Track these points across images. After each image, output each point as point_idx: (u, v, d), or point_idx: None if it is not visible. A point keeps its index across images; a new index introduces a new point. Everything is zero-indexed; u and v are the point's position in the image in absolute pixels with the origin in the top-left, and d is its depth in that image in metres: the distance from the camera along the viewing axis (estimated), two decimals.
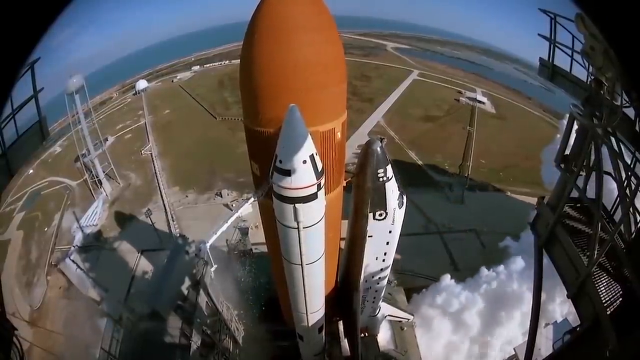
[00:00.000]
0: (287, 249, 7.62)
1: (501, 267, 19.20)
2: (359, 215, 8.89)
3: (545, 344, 12.79)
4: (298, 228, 6.67)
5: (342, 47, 6.77)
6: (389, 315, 14.43)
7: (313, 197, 6.32)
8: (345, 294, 11.80)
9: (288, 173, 5.90)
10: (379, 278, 11.00)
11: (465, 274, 21.41)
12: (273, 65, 5.84)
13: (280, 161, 5.86)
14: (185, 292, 19.12)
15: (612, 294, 5.13)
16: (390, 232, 9.22)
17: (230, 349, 16.16)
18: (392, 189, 8.42)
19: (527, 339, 7.73)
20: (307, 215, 6.49)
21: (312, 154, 5.83)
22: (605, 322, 4.72)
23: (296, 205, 6.27)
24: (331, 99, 6.81)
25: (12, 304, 19.46)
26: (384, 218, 8.79)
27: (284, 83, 5.92)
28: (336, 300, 12.25)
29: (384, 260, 10.25)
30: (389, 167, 8.10)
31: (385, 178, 8.17)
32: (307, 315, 9.55)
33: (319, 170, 6.10)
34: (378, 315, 13.79)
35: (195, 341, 14.94)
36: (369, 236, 9.13)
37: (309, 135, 5.68)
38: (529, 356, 7.39)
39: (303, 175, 5.95)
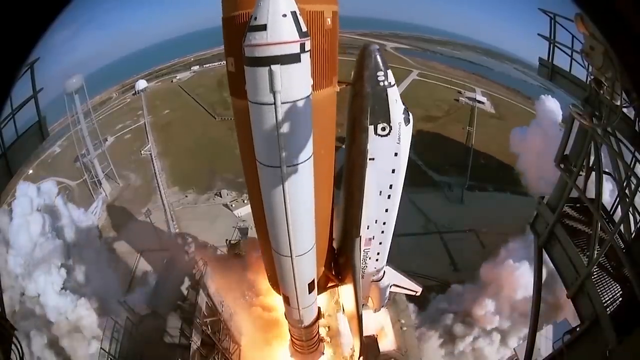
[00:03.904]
0: (261, 143, 5.66)
1: None
2: (358, 130, 7.30)
3: (545, 344, 12.82)
4: (275, 104, 4.97)
5: None
6: (394, 285, 12.40)
7: (294, 58, 4.87)
8: (344, 246, 9.88)
9: (263, 27, 4.69)
10: (384, 224, 9.04)
11: (465, 274, 21.45)
12: None
13: (255, 18, 4.74)
14: (185, 292, 19.14)
15: (612, 294, 5.13)
16: (396, 154, 7.55)
17: (230, 349, 16.17)
18: (395, 98, 7.16)
19: (527, 339, 7.74)
20: (286, 84, 4.94)
21: (295, 11, 4.77)
22: (605, 322, 4.73)
23: (272, 67, 4.80)
24: None
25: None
26: (388, 134, 7.25)
27: None
28: (332, 259, 10.31)
29: (389, 197, 8.37)
30: (390, 73, 7.00)
31: (386, 82, 6.95)
32: (292, 259, 7.07)
33: (303, 30, 4.89)
34: (383, 281, 11.65)
35: (195, 341, 14.94)
36: (370, 159, 7.50)
37: None
38: (529, 356, 7.40)
39: (282, 29, 4.71)
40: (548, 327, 14.93)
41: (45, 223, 18.11)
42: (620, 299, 4.96)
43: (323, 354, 12.41)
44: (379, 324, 17.18)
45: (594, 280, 5.32)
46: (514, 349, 17.23)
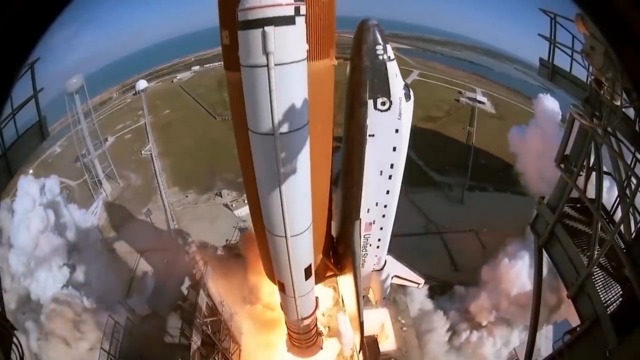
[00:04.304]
0: (253, 109, 5.36)
1: None
2: (357, 104, 6.99)
3: (545, 344, 12.81)
4: (268, 65, 4.79)
5: None
6: (396, 275, 11.85)
7: (288, 20, 4.75)
8: (343, 233, 9.30)
9: None
10: (385, 207, 8.52)
11: (465, 274, 21.44)
12: None
13: None
14: (185, 292, 19.15)
15: (612, 294, 5.13)
16: (397, 131, 7.22)
17: (230, 349, 16.17)
18: (395, 72, 6.92)
19: (527, 339, 7.74)
20: (280, 46, 4.76)
21: None
22: (605, 322, 4.73)
23: (265, 28, 4.65)
24: None
25: None
26: (388, 109, 6.95)
27: None
28: (330, 248, 9.80)
29: (390, 178, 7.89)
30: (389, 47, 6.80)
31: (385, 56, 6.72)
32: (286, 240, 6.60)
33: None
34: (384, 271, 11.14)
35: (195, 341, 14.95)
36: (370, 135, 7.09)
37: None
38: (529, 356, 7.40)
39: None
40: (548, 327, 14.93)
41: (48, 220, 18.11)
42: (620, 299, 4.96)
43: (322, 348, 11.95)
44: (379, 324, 17.18)
45: (594, 280, 5.32)
46: (514, 349, 17.24)
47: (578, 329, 5.56)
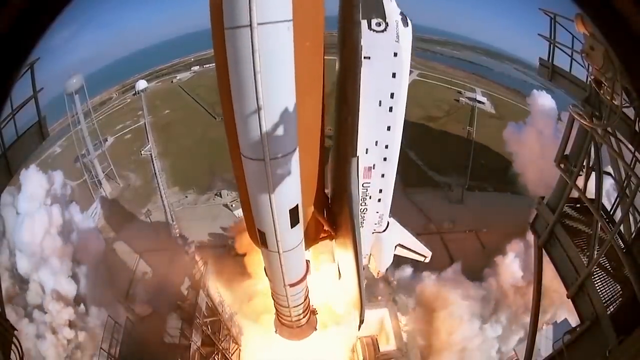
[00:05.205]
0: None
1: None
2: (349, 24, 6.18)
3: (545, 344, 12.80)
4: None
5: None
6: (400, 245, 10.28)
7: None
8: (338, 181, 8.08)
9: None
10: (386, 147, 7.43)
11: (465, 274, 21.40)
12: None
13: None
14: (185, 292, 19.16)
15: (612, 294, 5.13)
16: (395, 55, 6.42)
17: (230, 349, 16.17)
18: None
19: (527, 339, 7.74)
20: None
21: None
22: (605, 322, 4.73)
23: None
24: None
25: None
26: (384, 30, 6.22)
27: None
28: (324, 205, 8.51)
29: (391, 110, 6.90)
30: None
31: None
32: (265, 165, 5.48)
33: None
34: (387, 235, 9.62)
35: (195, 341, 14.95)
36: (365, 57, 6.26)
37: None
38: (529, 356, 7.39)
39: None
40: (548, 327, 14.93)
41: (49, 219, 18.10)
42: (620, 299, 4.96)
43: (316, 329, 10.51)
44: (379, 324, 17.20)
45: (594, 280, 5.33)
46: (514, 349, 17.23)
47: (578, 329, 5.57)
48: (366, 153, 7.32)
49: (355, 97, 6.53)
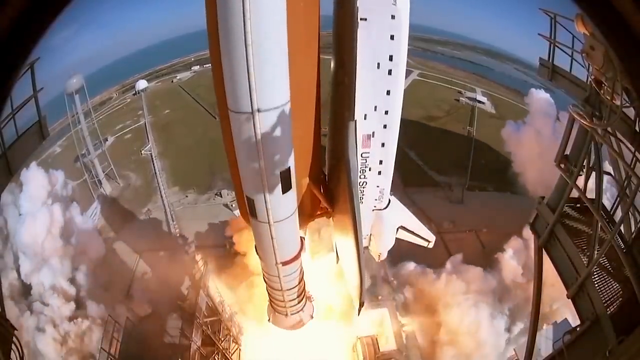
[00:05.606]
0: None
1: None
2: None
3: (545, 344, 12.80)
4: None
5: None
6: (402, 227, 9.49)
7: None
8: (335, 150, 7.58)
9: None
10: (386, 113, 6.94)
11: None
12: None
13: None
14: (185, 292, 19.16)
15: (612, 294, 5.14)
16: (393, 17, 6.09)
17: (230, 349, 16.17)
18: None
19: (527, 339, 7.74)
20: None
21: None
22: (605, 322, 4.73)
23: None
24: None
25: None
26: None
27: None
28: (321, 180, 7.99)
29: (390, 73, 6.49)
30: None
31: None
32: (253, 118, 5.08)
33: None
34: (388, 213, 8.89)
35: (195, 341, 14.95)
36: (361, 19, 5.94)
37: None
38: (529, 356, 7.39)
39: None
40: (548, 327, 14.93)
41: (50, 219, 18.13)
42: (620, 299, 4.96)
43: (312, 317, 9.71)
44: (379, 324, 17.19)
45: (594, 280, 5.33)
46: (514, 349, 17.21)
47: (578, 329, 5.57)
48: (365, 119, 6.79)
49: (352, 59, 6.18)
